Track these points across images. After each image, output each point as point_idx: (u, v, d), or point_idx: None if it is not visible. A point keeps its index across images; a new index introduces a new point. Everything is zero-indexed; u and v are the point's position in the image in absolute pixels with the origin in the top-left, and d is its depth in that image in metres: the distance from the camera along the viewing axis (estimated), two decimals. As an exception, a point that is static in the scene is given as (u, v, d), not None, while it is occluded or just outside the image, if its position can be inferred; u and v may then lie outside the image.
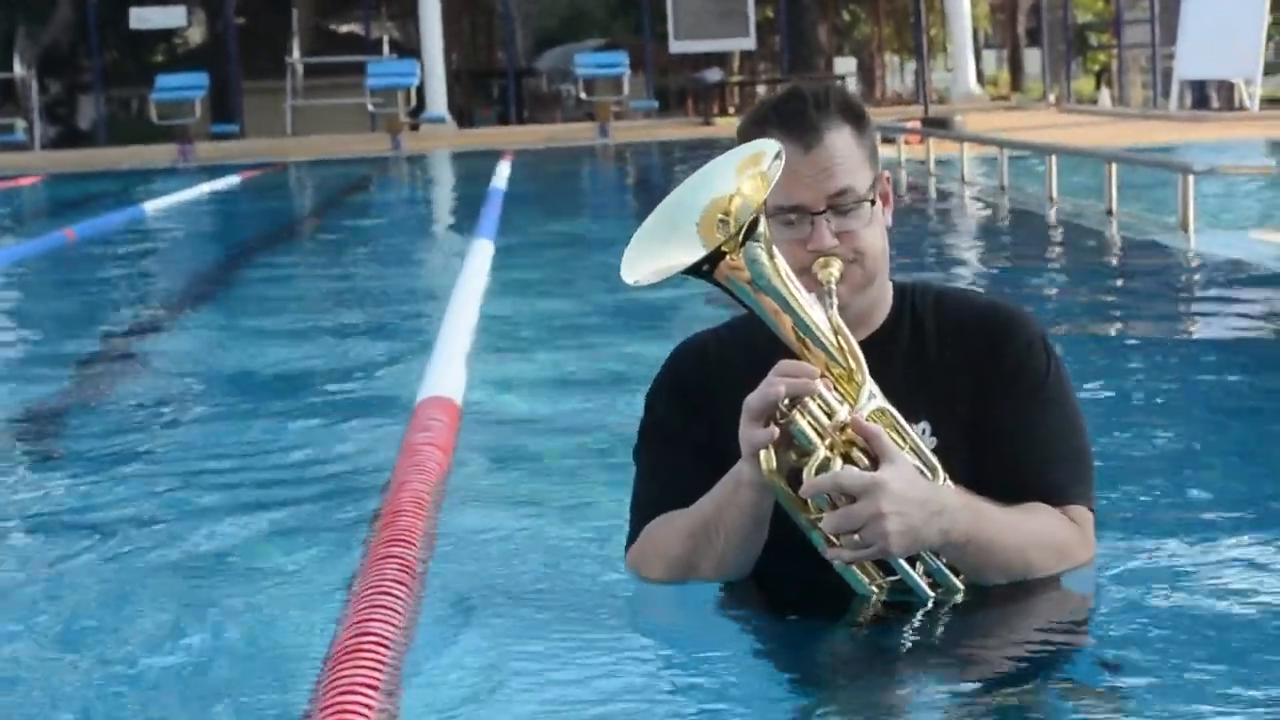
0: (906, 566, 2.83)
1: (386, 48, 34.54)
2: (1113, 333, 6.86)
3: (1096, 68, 39.10)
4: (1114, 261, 9.83)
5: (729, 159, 2.79)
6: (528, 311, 8.15)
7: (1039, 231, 11.47)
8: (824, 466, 2.74)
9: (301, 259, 12.57)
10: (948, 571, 2.87)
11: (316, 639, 3.08)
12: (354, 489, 4.44)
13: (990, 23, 42.86)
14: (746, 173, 2.74)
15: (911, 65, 40.52)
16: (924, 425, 2.95)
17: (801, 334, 2.80)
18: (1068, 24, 34.87)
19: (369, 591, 3.21)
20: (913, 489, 2.74)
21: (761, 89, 32.60)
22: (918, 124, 20.50)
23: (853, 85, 37.73)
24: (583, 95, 30.54)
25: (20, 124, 31.07)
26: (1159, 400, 5.31)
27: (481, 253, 10.33)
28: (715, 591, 2.99)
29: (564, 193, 18.68)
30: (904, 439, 2.83)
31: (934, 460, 2.85)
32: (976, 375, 2.99)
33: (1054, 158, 12.97)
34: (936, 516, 2.77)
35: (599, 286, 8.59)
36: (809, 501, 2.77)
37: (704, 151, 17.13)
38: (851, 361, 2.82)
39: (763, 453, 2.75)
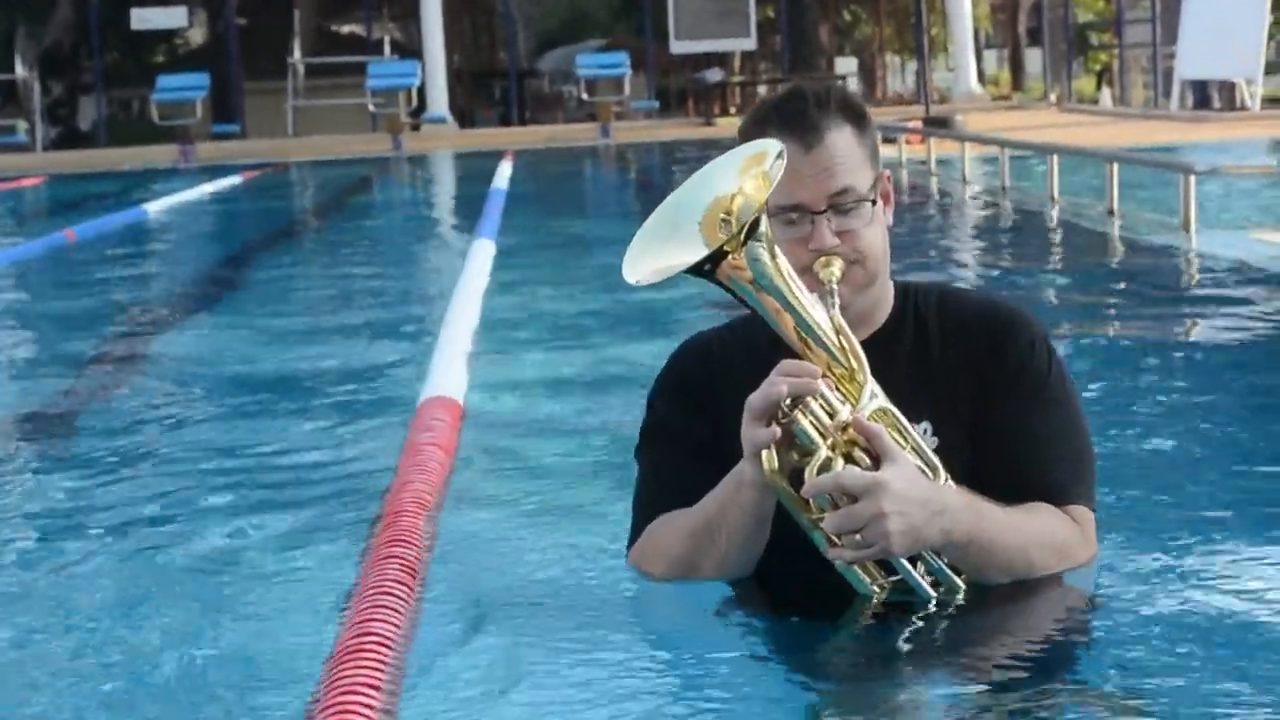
0: (908, 566, 2.83)
1: (388, 48, 34.54)
2: (1114, 333, 6.86)
3: (1098, 67, 39.10)
4: (1115, 262, 9.83)
5: (731, 158, 2.79)
6: (529, 311, 8.15)
7: (1040, 231, 11.47)
8: (826, 466, 2.74)
9: (303, 259, 12.57)
10: (949, 571, 2.87)
11: (318, 639, 3.08)
12: (356, 489, 4.44)
13: (991, 22, 42.85)
14: (748, 172, 2.74)
15: (912, 65, 40.53)
16: (925, 425, 2.95)
17: (803, 333, 2.80)
18: (1069, 24, 34.88)
19: (371, 591, 3.21)
20: (914, 489, 2.74)
21: (762, 89, 32.59)
22: (919, 124, 20.50)
23: (854, 85, 37.74)
24: (584, 96, 30.55)
25: (22, 125, 31.09)
26: (1160, 400, 5.31)
27: (483, 253, 10.33)
28: (717, 591, 2.99)
29: (565, 193, 18.68)
30: (906, 439, 2.84)
31: (936, 460, 2.85)
32: (978, 375, 2.99)
33: (1055, 157, 12.97)
34: (938, 516, 2.77)
35: (601, 286, 8.59)
36: (811, 501, 2.77)
37: (705, 152, 17.14)
38: (853, 361, 2.82)
39: (765, 452, 2.75)
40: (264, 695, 2.88)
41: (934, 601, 2.86)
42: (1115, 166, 11.63)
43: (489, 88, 38.40)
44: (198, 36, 38.01)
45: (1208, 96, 27.18)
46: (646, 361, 5.45)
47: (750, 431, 2.76)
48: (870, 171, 2.96)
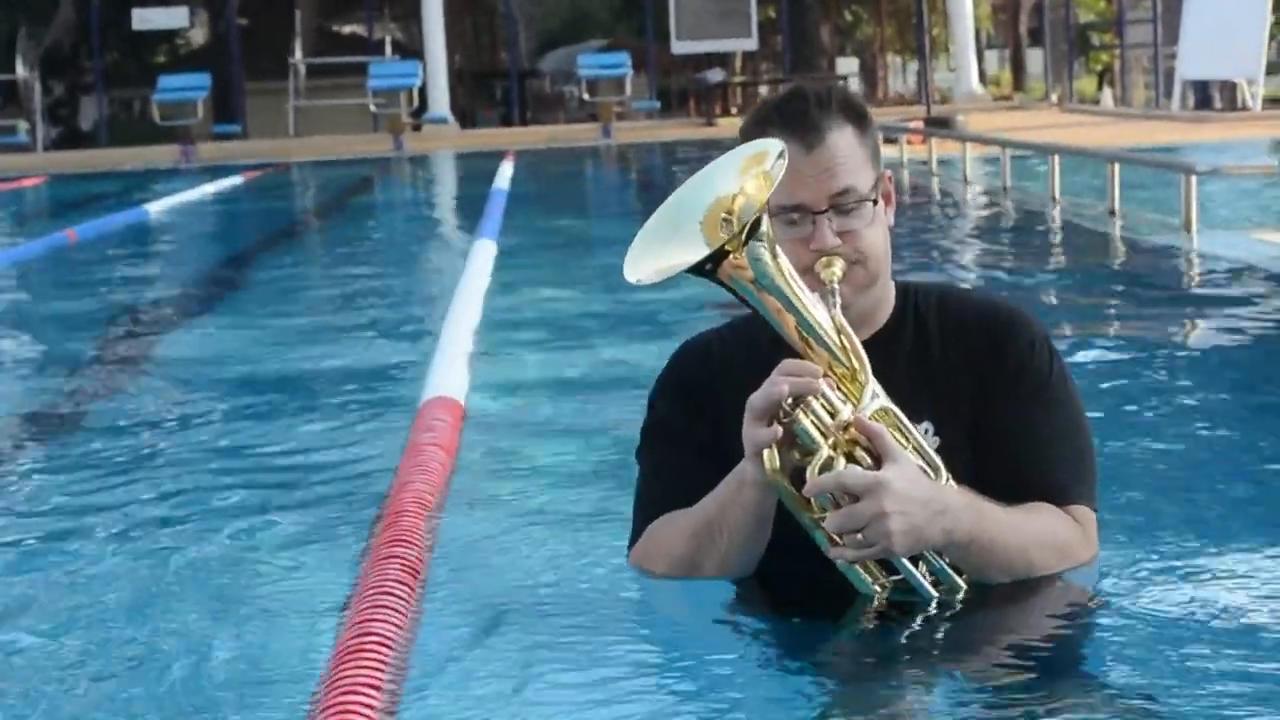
0: (909, 566, 2.83)
1: (389, 48, 34.57)
2: (1115, 333, 6.86)
3: (1099, 68, 39.11)
4: (1116, 262, 9.83)
5: (732, 158, 2.79)
6: (531, 312, 8.15)
7: (1041, 232, 11.47)
8: (827, 466, 2.74)
9: (304, 260, 12.57)
10: (950, 571, 2.87)
11: (319, 639, 3.08)
12: (357, 489, 4.43)
13: (992, 23, 42.85)
14: (750, 172, 2.74)
15: (914, 65, 40.53)
16: (927, 425, 2.95)
17: (805, 333, 2.80)
18: (1070, 24, 34.88)
19: (372, 591, 3.21)
20: (916, 488, 2.74)
21: (764, 89, 32.60)
22: (920, 124, 20.50)
23: (855, 85, 37.76)
24: (585, 96, 30.57)
25: (23, 125, 31.11)
26: (1161, 400, 5.30)
27: (484, 253, 10.33)
28: (718, 590, 2.99)
29: (566, 193, 18.68)
30: (907, 438, 2.84)
31: (937, 460, 2.85)
32: (979, 375, 2.99)
33: (1056, 158, 12.97)
34: (939, 516, 2.77)
35: (602, 286, 8.59)
36: (812, 501, 2.77)
37: (706, 152, 17.14)
38: (854, 361, 2.82)
39: (766, 452, 2.75)
40: (264, 695, 2.87)
41: (935, 601, 2.86)
42: (1116, 167, 11.63)
43: (490, 88, 38.42)
44: (199, 37, 38.03)
45: (1209, 97, 27.18)
46: (647, 361, 5.45)
47: (752, 431, 2.76)
48: (872, 172, 2.96)
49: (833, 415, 2.76)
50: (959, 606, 2.86)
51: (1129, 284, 8.63)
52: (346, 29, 38.64)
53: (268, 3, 35.03)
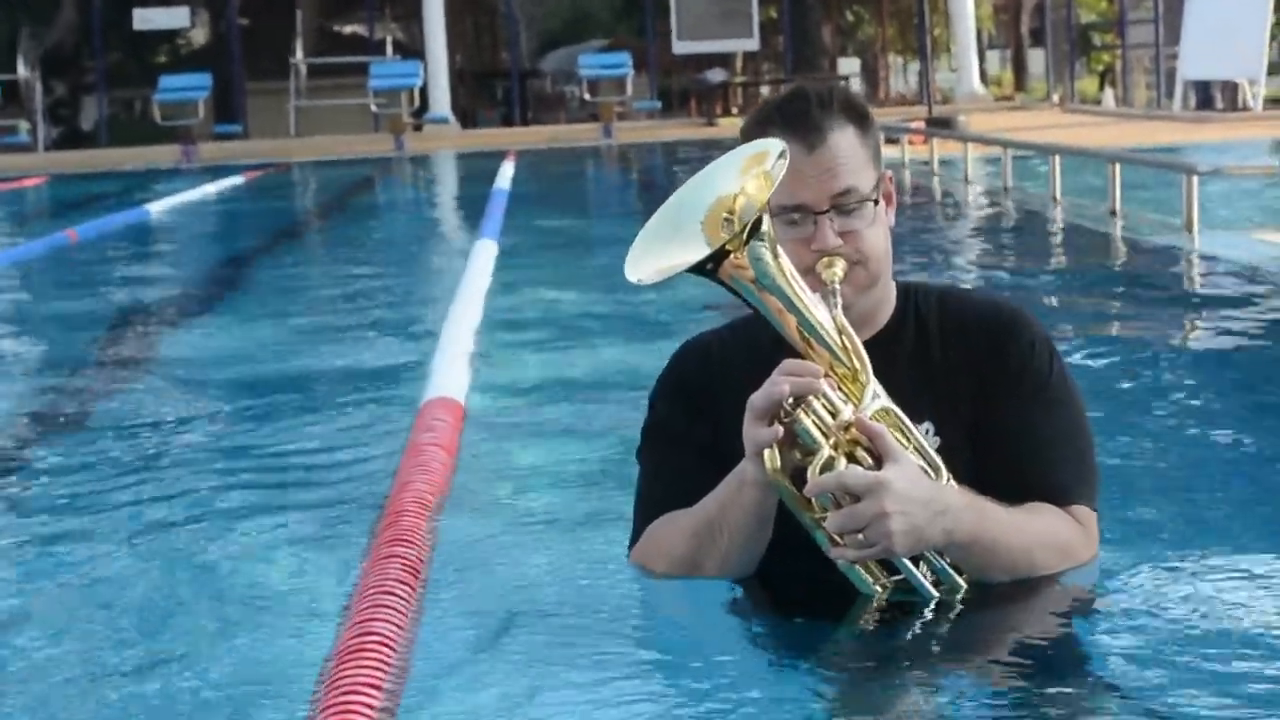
0: (910, 566, 2.82)
1: (390, 48, 34.57)
2: (1116, 334, 6.86)
3: (1100, 68, 39.10)
4: (1117, 262, 9.82)
5: (733, 158, 2.79)
6: (532, 311, 8.15)
7: (1042, 232, 11.46)
8: (828, 465, 2.74)
9: (304, 260, 12.57)
10: (951, 571, 2.87)
11: (319, 639, 3.08)
12: (358, 489, 4.43)
13: (994, 23, 42.85)
14: (751, 172, 2.74)
15: (915, 65, 40.53)
16: (927, 425, 2.95)
17: (806, 333, 2.80)
18: (1071, 24, 34.88)
19: (372, 591, 3.21)
20: (917, 488, 2.74)
21: (765, 89, 32.60)
22: (921, 124, 20.49)
23: (856, 86, 37.75)
24: (586, 96, 30.57)
25: (24, 125, 31.12)
26: (1162, 400, 5.30)
27: (485, 253, 10.33)
28: (719, 590, 2.98)
29: (567, 193, 18.68)
30: (908, 438, 2.84)
31: (938, 460, 2.85)
32: (979, 376, 2.99)
33: (1058, 158, 12.97)
34: (940, 516, 2.77)
35: (603, 286, 8.59)
36: (813, 501, 2.77)
37: (707, 152, 17.14)
38: (855, 361, 2.82)
39: (767, 452, 2.75)
40: (265, 695, 2.87)
41: (936, 601, 2.86)
42: (1118, 167, 11.63)
43: (491, 88, 38.42)
44: (200, 37, 38.03)
45: (1210, 97, 27.18)
46: (648, 362, 5.44)
47: (752, 430, 2.76)
48: (873, 172, 2.96)
49: (834, 415, 2.76)
50: (960, 606, 2.87)
51: (1130, 284, 8.63)
52: (347, 29, 38.63)
53: (269, 3, 35.03)
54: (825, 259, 2.87)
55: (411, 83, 28.61)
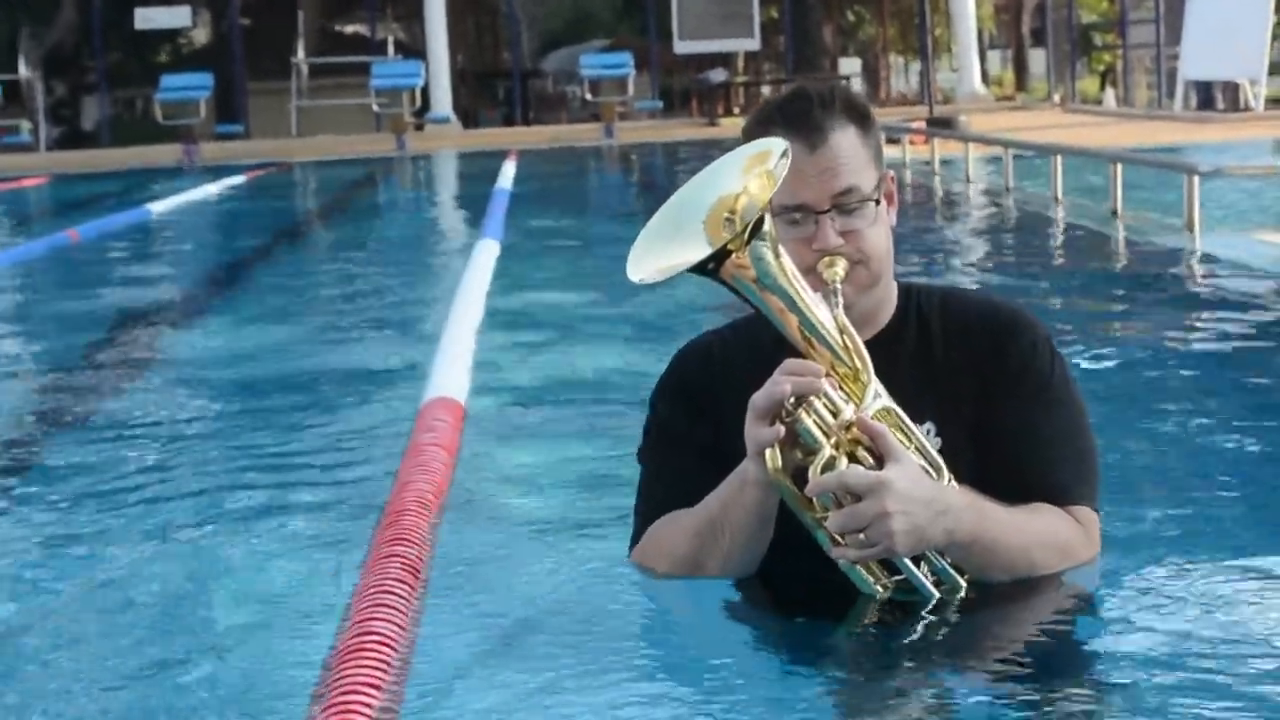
0: (911, 566, 2.82)
1: (391, 48, 34.58)
2: (1117, 334, 6.85)
3: (1101, 68, 39.09)
4: (1118, 263, 9.82)
5: (735, 157, 2.79)
6: (533, 311, 8.15)
7: (1043, 232, 11.46)
8: (829, 465, 2.74)
9: (306, 260, 12.57)
10: (952, 571, 2.87)
11: (320, 638, 3.08)
12: (359, 488, 4.43)
13: (995, 23, 42.84)
14: (752, 171, 2.74)
15: (916, 65, 40.52)
16: (929, 425, 2.95)
17: (807, 333, 2.80)
18: (1072, 24, 34.88)
19: (373, 590, 3.21)
20: (918, 488, 2.74)
21: (766, 89, 32.60)
22: (922, 124, 20.48)
23: (857, 86, 37.73)
24: (588, 96, 30.57)
25: (25, 125, 31.13)
26: (1164, 401, 5.30)
27: (486, 253, 10.33)
28: (720, 590, 2.98)
29: (569, 193, 18.68)
30: (909, 438, 2.84)
31: (939, 460, 2.85)
32: (981, 376, 2.99)
33: (1059, 158, 12.97)
34: (941, 516, 2.77)
35: (604, 286, 8.59)
36: (814, 500, 2.77)
37: (709, 152, 17.14)
38: (857, 361, 2.82)
39: (768, 451, 2.75)
40: (265, 694, 2.87)
41: (937, 600, 2.86)
42: (1119, 167, 11.63)
43: (493, 88, 38.43)
44: (201, 36, 38.04)
45: (1211, 97, 27.18)
46: (649, 362, 5.44)
47: (754, 430, 2.76)
48: (874, 171, 2.96)
49: (835, 415, 2.76)
50: (961, 606, 2.86)
51: (1131, 285, 8.63)
52: (349, 29, 38.64)
53: (270, 2, 35.04)
54: (827, 258, 2.87)
55: (413, 82, 28.61)
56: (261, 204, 18.65)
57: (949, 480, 2.84)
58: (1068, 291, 8.33)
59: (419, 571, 3.41)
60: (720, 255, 2.71)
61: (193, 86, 28.31)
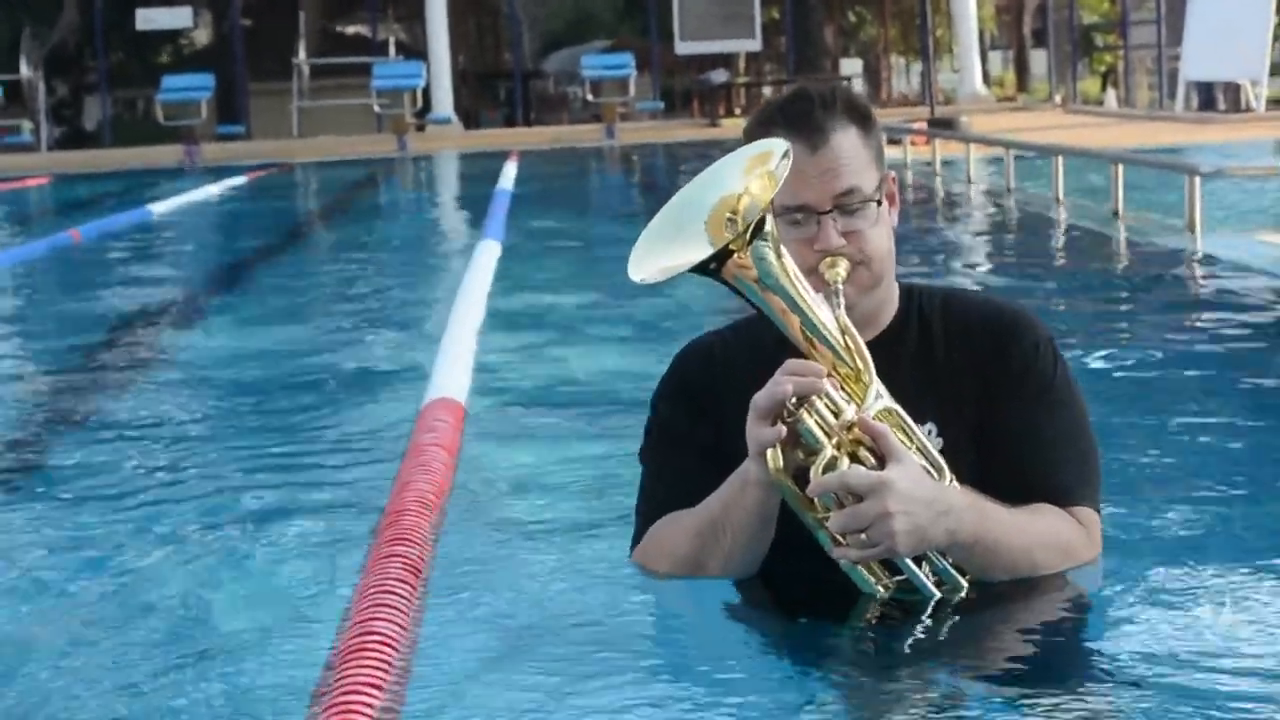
0: (913, 566, 2.82)
1: (393, 49, 34.58)
2: (1118, 335, 6.85)
3: (1102, 69, 39.08)
4: (1120, 263, 9.82)
5: (737, 158, 2.79)
6: (534, 312, 8.15)
7: (1045, 233, 11.46)
8: (831, 465, 2.74)
9: (307, 260, 12.57)
10: (953, 571, 2.87)
11: (321, 638, 3.08)
12: (359, 488, 4.43)
13: (996, 24, 42.84)
14: (754, 172, 2.74)
15: (917, 66, 40.52)
16: (930, 426, 2.95)
17: (809, 333, 2.80)
18: (1073, 25, 34.87)
19: (373, 590, 3.21)
20: (920, 489, 2.74)
21: (767, 90, 32.60)
22: (923, 125, 20.48)
23: (859, 86, 37.73)
24: (589, 97, 30.57)
25: (26, 125, 31.14)
26: (1165, 402, 5.30)
27: (488, 253, 10.33)
28: (721, 590, 2.99)
29: (570, 194, 18.68)
30: (911, 439, 2.84)
31: (941, 460, 2.85)
32: (983, 377, 2.99)
33: (1060, 159, 12.96)
34: (943, 516, 2.77)
35: (606, 287, 8.59)
36: (816, 500, 2.77)
37: (710, 153, 17.14)
38: (859, 361, 2.82)
39: (770, 451, 2.75)
40: (266, 694, 2.87)
41: (938, 600, 2.86)
42: (1120, 168, 11.62)
43: (494, 88, 38.44)
44: (203, 37, 38.05)
45: (1213, 98, 27.17)
46: (650, 362, 5.44)
47: (755, 430, 2.76)
48: (875, 172, 2.96)
49: (836, 415, 2.76)
50: (962, 606, 2.86)
51: (1133, 286, 8.63)
52: (350, 29, 38.64)
53: (271, 3, 35.05)
54: (828, 259, 2.87)
55: (414, 83, 28.62)
56: (263, 205, 18.65)
57: (950, 481, 2.84)
58: (1069, 292, 8.33)
59: (420, 571, 3.41)
60: (722, 255, 2.71)
61: (194, 87, 28.33)
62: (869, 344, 2.86)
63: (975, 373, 3.00)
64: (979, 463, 2.94)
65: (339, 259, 12.08)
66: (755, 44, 33.08)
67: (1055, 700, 2.59)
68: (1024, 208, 12.84)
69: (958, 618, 2.85)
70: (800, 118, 2.92)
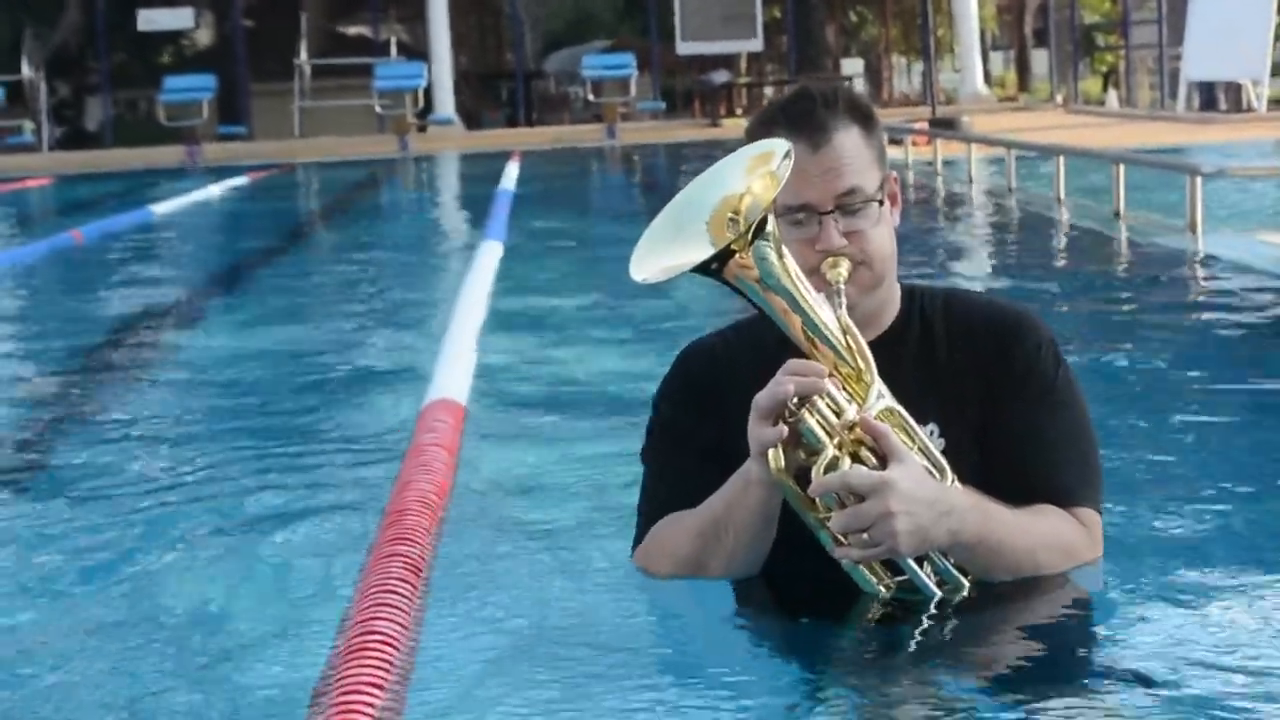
0: (914, 566, 2.82)
1: (394, 49, 34.55)
2: (1120, 335, 6.85)
3: (1104, 69, 39.07)
4: (1121, 263, 9.82)
5: (739, 158, 2.78)
6: (536, 313, 8.15)
7: (1046, 233, 11.46)
8: (833, 465, 2.74)
9: (308, 261, 12.57)
10: (955, 571, 2.87)
11: (322, 638, 3.08)
12: (359, 488, 4.44)
13: (997, 24, 42.82)
14: (756, 172, 2.74)
15: (919, 66, 40.50)
16: (932, 427, 2.95)
17: (810, 333, 2.80)
18: (1075, 25, 34.86)
19: (374, 590, 3.21)
20: (921, 489, 2.74)
21: (769, 90, 32.60)
22: (925, 125, 20.48)
23: (860, 86, 37.72)
24: (590, 97, 30.55)
25: (28, 125, 31.12)
26: (1166, 402, 5.30)
27: (489, 254, 10.33)
28: (723, 590, 2.99)
29: (572, 194, 18.68)
30: (912, 439, 2.84)
31: (943, 460, 2.85)
32: (985, 378, 2.99)
33: (1061, 159, 12.96)
34: (945, 517, 2.77)
35: (607, 288, 8.59)
36: (817, 500, 2.77)
37: (711, 153, 17.15)
38: (860, 361, 2.82)
39: (771, 451, 2.75)
40: (267, 694, 2.88)
41: (940, 600, 2.86)
42: (1121, 168, 11.62)
43: (495, 89, 38.41)
44: (204, 38, 38.03)
45: (1214, 98, 27.17)
46: (652, 363, 5.44)
47: (757, 430, 2.76)
48: (877, 172, 2.96)
49: (838, 415, 2.76)
50: (963, 606, 2.87)
51: (1134, 286, 8.63)
52: (352, 30, 38.61)
53: (273, 4, 35.03)
54: (830, 259, 2.88)
55: (416, 84, 28.61)
56: (264, 205, 18.66)
57: (952, 481, 2.84)
58: (1070, 293, 8.33)
59: (421, 570, 3.41)
60: (724, 255, 2.71)
61: (196, 88, 28.32)
62: (871, 344, 2.86)
63: (977, 373, 3.00)
64: (980, 463, 2.94)
65: (340, 259, 12.08)
66: (756, 44, 33.07)
67: (1056, 700, 2.59)
68: (1025, 208, 12.84)
69: (959, 618, 2.85)
70: (802, 117, 2.92)
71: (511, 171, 19.42)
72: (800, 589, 2.93)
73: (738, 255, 2.71)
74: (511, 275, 9.51)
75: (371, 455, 4.89)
